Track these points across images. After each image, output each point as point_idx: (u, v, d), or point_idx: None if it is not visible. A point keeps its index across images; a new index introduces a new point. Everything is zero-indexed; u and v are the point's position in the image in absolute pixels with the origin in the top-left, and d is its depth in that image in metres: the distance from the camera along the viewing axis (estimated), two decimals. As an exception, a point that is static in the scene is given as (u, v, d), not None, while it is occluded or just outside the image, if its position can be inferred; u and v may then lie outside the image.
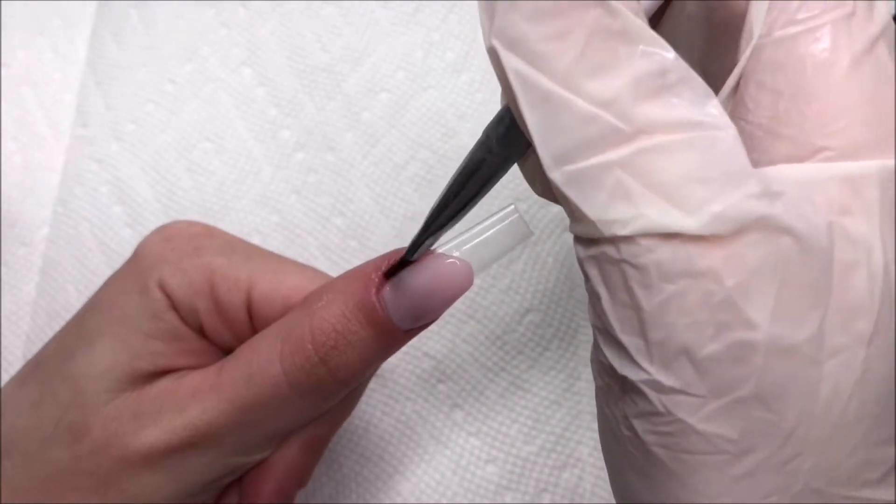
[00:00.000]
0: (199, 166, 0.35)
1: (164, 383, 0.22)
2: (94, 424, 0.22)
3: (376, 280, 0.21)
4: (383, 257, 0.21)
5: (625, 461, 0.17)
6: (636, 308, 0.15)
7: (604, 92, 0.15)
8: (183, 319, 0.24)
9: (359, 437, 0.30)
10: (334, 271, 0.32)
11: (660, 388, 0.15)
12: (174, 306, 0.23)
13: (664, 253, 0.15)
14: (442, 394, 0.31)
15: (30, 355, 0.32)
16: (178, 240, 0.25)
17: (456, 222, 0.19)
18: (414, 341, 0.31)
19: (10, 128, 0.37)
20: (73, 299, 0.33)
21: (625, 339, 0.16)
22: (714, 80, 0.17)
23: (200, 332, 0.24)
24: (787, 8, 0.16)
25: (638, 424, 0.16)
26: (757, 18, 0.17)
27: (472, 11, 0.37)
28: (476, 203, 0.19)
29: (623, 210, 0.15)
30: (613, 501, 0.29)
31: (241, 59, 0.37)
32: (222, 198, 0.34)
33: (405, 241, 0.21)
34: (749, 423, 0.15)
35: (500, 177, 0.18)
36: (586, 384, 0.31)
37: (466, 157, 0.18)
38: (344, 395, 0.23)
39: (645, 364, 0.15)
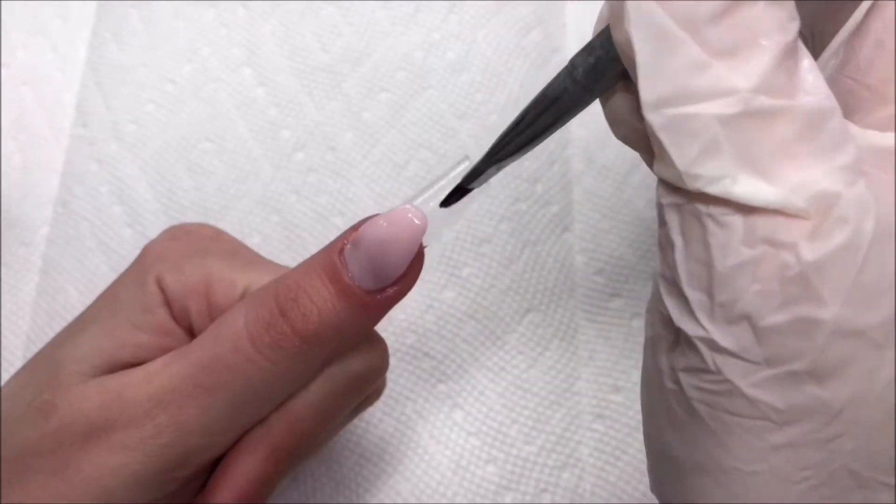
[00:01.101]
0: (199, 166, 0.35)
1: (139, 367, 0.22)
2: (61, 403, 0.21)
3: (341, 242, 0.21)
4: (353, 226, 0.21)
5: (663, 413, 0.17)
6: (708, 265, 0.15)
7: (723, 42, 0.14)
8: (174, 317, 0.23)
9: (359, 437, 0.30)
10: (334, 271, 0.32)
11: (715, 347, 0.15)
12: (167, 302, 0.23)
13: (750, 216, 0.14)
14: (442, 394, 0.31)
15: (30, 355, 0.32)
16: (184, 240, 0.25)
17: (525, 152, 0.19)
18: (414, 341, 0.31)
19: (10, 128, 0.37)
20: (74, 299, 0.33)
21: (690, 292, 0.15)
22: (823, 39, 0.17)
23: (190, 331, 0.24)
24: None
25: (684, 378, 0.16)
26: None
27: (472, 11, 0.37)
28: (549, 135, 0.18)
29: (712, 168, 0.14)
30: (613, 501, 0.29)
31: (242, 59, 0.37)
32: (222, 198, 0.34)
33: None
34: (799, 396, 0.15)
35: (579, 111, 0.18)
36: (586, 384, 0.31)
37: (547, 85, 0.18)
38: (309, 363, 0.22)
39: (705, 321, 0.15)
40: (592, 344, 0.31)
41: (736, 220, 0.15)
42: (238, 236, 0.33)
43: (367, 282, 0.20)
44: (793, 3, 0.15)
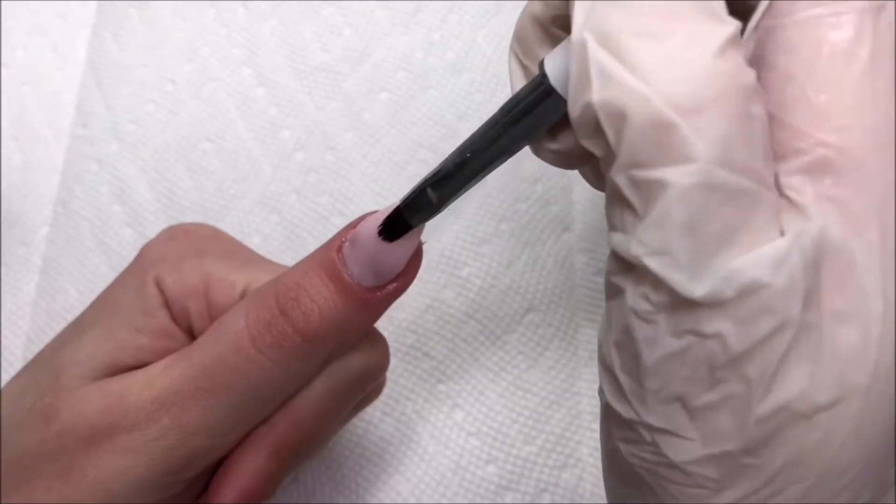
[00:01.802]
0: (199, 166, 0.35)
1: (140, 370, 0.22)
2: (64, 407, 0.21)
3: (339, 241, 0.21)
4: (351, 223, 0.21)
5: (614, 469, 0.18)
6: (636, 356, 0.15)
7: (689, 101, 0.14)
8: (174, 318, 0.23)
9: (359, 437, 0.30)
10: (334, 271, 0.32)
11: (649, 427, 0.15)
12: (167, 304, 0.23)
13: (673, 311, 0.14)
14: (442, 394, 0.31)
15: (30, 355, 0.32)
16: (182, 240, 0.25)
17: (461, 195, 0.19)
18: (414, 341, 0.31)
19: (10, 127, 0.37)
20: (74, 299, 0.33)
21: (622, 377, 0.16)
22: None
23: (190, 332, 0.24)
24: None
25: (622, 447, 0.16)
26: None
27: (472, 11, 0.37)
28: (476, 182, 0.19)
29: (658, 240, 0.14)
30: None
31: (242, 59, 0.37)
32: (222, 198, 0.34)
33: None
34: (733, 467, 0.15)
35: (508, 158, 0.18)
36: (586, 384, 0.31)
37: (476, 137, 0.18)
38: (311, 362, 0.22)
39: (636, 404, 0.15)
40: (592, 344, 0.31)
41: (659, 317, 0.15)
42: (238, 236, 0.33)
43: (367, 279, 0.20)
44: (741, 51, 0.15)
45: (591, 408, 0.30)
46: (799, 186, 0.15)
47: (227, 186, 0.35)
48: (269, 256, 0.33)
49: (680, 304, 0.14)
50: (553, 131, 0.18)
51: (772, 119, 0.15)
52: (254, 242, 0.34)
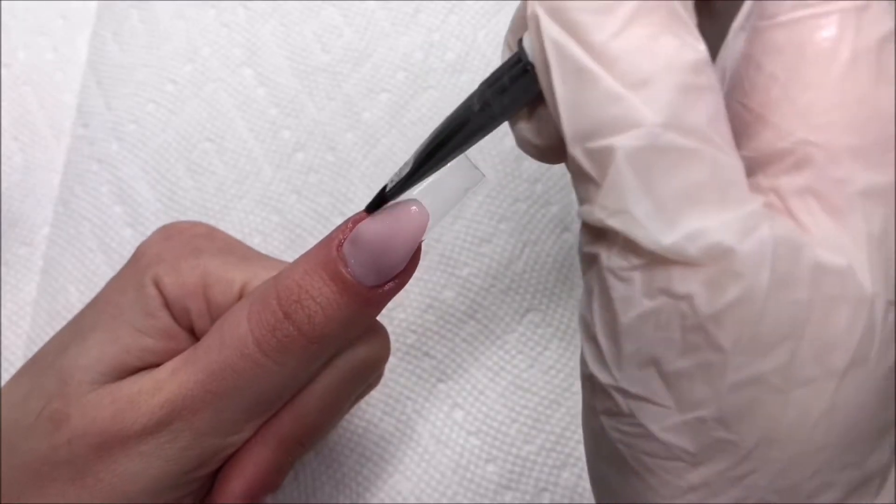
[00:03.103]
0: (200, 166, 0.35)
1: (146, 373, 0.22)
2: (74, 413, 0.21)
3: (338, 238, 0.21)
4: (347, 220, 0.21)
5: (597, 450, 0.18)
6: (614, 316, 0.15)
7: (636, 74, 0.14)
8: (175, 318, 0.23)
9: (359, 437, 0.30)
10: (334, 271, 0.32)
11: (626, 393, 0.16)
12: (167, 304, 0.23)
13: (647, 270, 0.15)
14: (442, 394, 0.31)
15: (30, 355, 0.32)
16: (178, 239, 0.25)
17: (436, 170, 0.19)
18: (414, 341, 0.31)
19: (11, 128, 0.37)
20: (74, 299, 0.33)
21: (603, 341, 0.16)
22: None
23: (191, 331, 0.24)
24: None
25: (605, 420, 0.17)
26: None
27: (472, 11, 0.37)
28: (459, 154, 0.19)
29: (614, 200, 0.15)
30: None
31: (242, 59, 0.37)
32: (222, 198, 0.35)
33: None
34: (708, 440, 0.15)
35: (487, 133, 0.19)
36: (586, 384, 0.31)
37: (455, 112, 0.19)
38: (317, 361, 0.22)
39: (614, 369, 0.16)
40: (592, 344, 0.31)
41: (635, 276, 0.15)
42: (238, 236, 0.33)
43: (369, 278, 0.20)
44: (694, 28, 0.15)
45: (590, 407, 0.30)
46: (784, 184, 0.15)
47: (228, 186, 0.35)
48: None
49: (652, 262, 0.15)
50: (535, 124, 0.19)
51: (758, 119, 0.16)
52: (254, 242, 0.34)
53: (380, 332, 0.24)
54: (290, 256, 0.33)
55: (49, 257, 0.34)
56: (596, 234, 0.16)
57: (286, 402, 0.23)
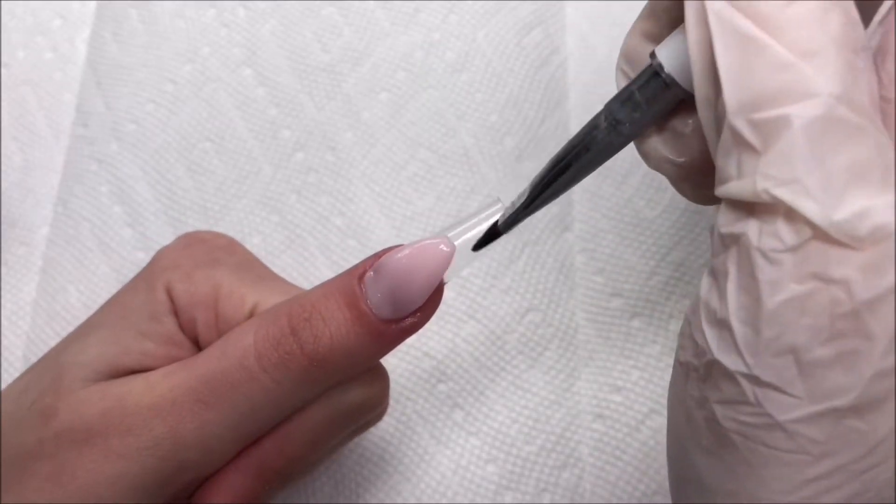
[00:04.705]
0: (200, 166, 0.35)
1: (140, 374, 0.22)
2: (63, 408, 0.21)
3: (362, 268, 0.20)
4: (376, 254, 0.21)
5: (692, 438, 0.17)
6: (757, 299, 0.15)
7: (806, 44, 0.14)
8: (182, 327, 0.23)
9: (359, 437, 0.30)
10: (334, 271, 0.32)
11: (757, 381, 0.15)
12: (175, 311, 0.23)
13: (800, 251, 0.14)
14: (442, 394, 0.31)
15: (30, 355, 0.32)
16: (197, 248, 0.25)
17: (556, 198, 0.20)
18: (414, 341, 0.31)
19: (11, 127, 0.37)
20: (74, 299, 0.33)
21: (737, 325, 0.15)
22: None
23: (196, 342, 0.24)
24: None
25: (719, 409, 0.16)
26: None
27: (472, 11, 0.37)
28: (581, 179, 0.19)
29: (786, 170, 0.14)
30: (613, 501, 0.29)
31: (242, 59, 0.37)
32: (222, 198, 0.34)
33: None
34: (839, 429, 0.15)
35: (612, 155, 0.19)
36: (586, 384, 0.31)
37: (582, 133, 0.19)
38: (313, 387, 0.21)
39: (748, 356, 0.15)
40: (592, 344, 0.31)
41: (785, 257, 0.14)
42: (238, 236, 0.33)
43: (385, 311, 0.20)
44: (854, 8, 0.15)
45: (590, 408, 0.30)
46: None
47: (227, 186, 0.35)
48: (269, 256, 0.33)
49: (810, 241, 0.14)
50: (670, 139, 0.19)
51: (883, 99, 0.15)
52: (254, 242, 0.34)
53: (380, 376, 0.24)
54: (289, 256, 0.33)
55: (48, 257, 0.34)
56: (745, 210, 0.15)
57: (271, 430, 0.22)
